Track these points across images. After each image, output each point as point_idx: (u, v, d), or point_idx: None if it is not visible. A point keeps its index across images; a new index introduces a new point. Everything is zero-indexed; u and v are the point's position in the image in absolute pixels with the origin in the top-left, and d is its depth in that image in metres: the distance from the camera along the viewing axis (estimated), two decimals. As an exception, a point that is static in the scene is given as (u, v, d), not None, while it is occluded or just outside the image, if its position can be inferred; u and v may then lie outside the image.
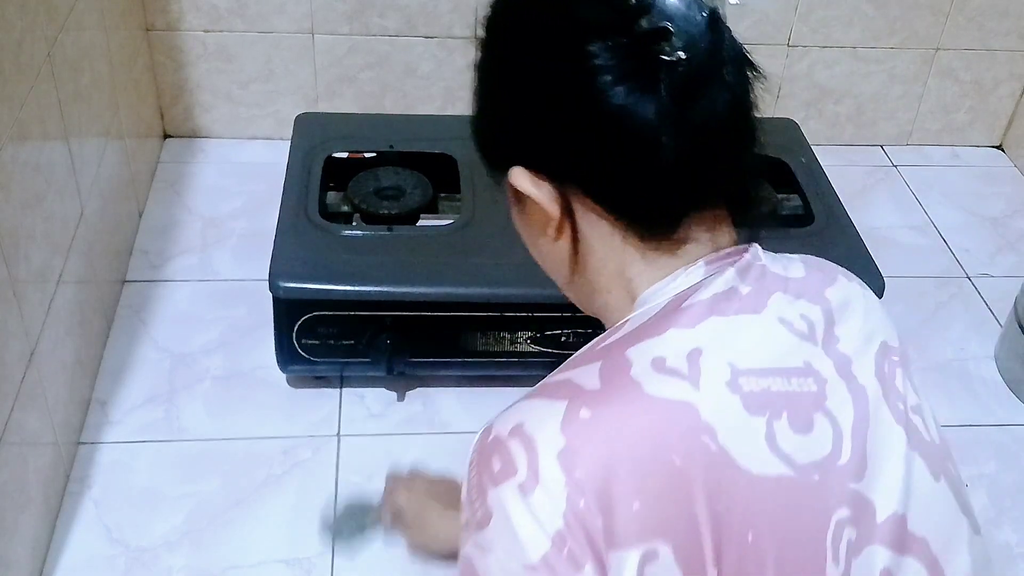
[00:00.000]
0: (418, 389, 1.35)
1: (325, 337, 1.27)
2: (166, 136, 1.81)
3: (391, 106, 1.79)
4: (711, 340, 0.63)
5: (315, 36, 1.72)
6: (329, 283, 1.24)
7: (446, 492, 1.08)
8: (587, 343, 0.68)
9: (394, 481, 1.12)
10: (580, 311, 0.76)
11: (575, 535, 0.58)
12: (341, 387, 1.35)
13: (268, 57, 1.74)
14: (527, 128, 0.68)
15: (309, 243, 1.29)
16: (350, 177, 1.43)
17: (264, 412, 1.31)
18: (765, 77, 0.68)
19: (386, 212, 1.37)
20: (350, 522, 1.17)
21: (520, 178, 0.68)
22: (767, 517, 0.60)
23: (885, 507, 0.63)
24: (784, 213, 1.46)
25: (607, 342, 0.66)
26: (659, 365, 0.62)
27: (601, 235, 0.68)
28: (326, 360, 1.29)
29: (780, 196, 1.47)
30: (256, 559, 1.13)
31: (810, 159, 1.53)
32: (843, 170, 1.75)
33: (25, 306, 1.07)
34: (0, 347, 1.00)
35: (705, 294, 0.65)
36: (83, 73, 1.32)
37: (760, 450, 0.61)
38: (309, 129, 1.52)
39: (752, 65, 0.67)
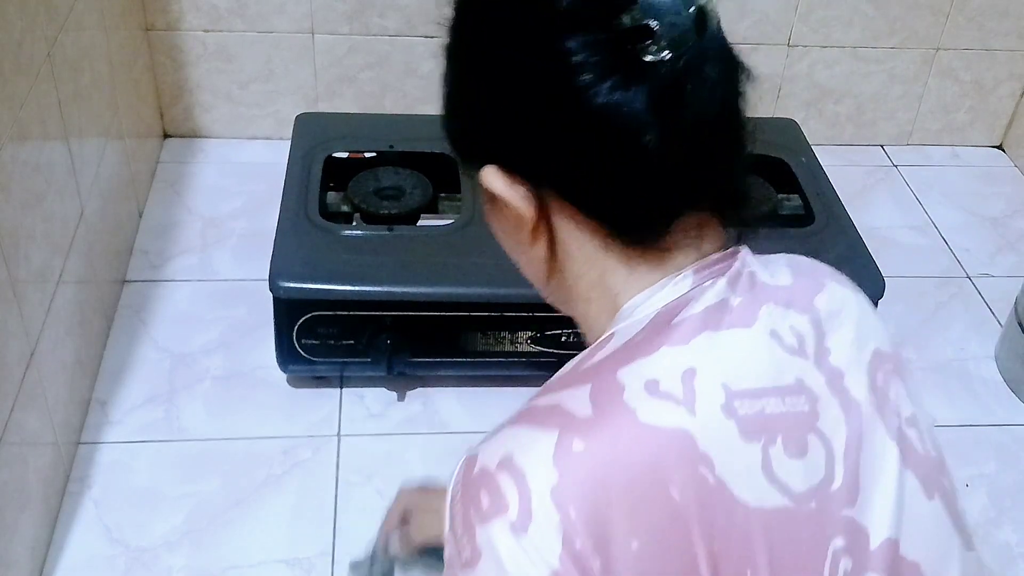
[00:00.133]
0: (418, 389, 1.35)
1: (325, 337, 1.27)
2: (166, 136, 1.81)
3: (391, 106, 1.79)
4: (704, 359, 0.60)
5: (315, 36, 1.72)
6: (329, 283, 1.24)
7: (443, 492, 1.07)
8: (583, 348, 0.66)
9: (403, 490, 1.10)
10: None
11: None
12: (341, 387, 1.35)
13: (268, 57, 1.74)
14: (501, 125, 0.64)
15: (309, 243, 1.29)
16: (350, 177, 1.43)
17: (264, 412, 1.31)
18: (754, 76, 0.65)
19: (386, 212, 1.37)
20: (360, 569, 1.11)
21: (493, 178, 0.64)
22: (766, 551, 0.59)
23: (878, 533, 0.61)
24: (784, 213, 1.46)
25: (595, 360, 0.62)
26: (653, 388, 0.59)
27: (580, 241, 0.65)
28: (326, 360, 1.29)
29: (780, 196, 1.47)
30: (256, 559, 1.13)
31: (810, 159, 1.53)
32: (843, 170, 1.75)
33: (25, 306, 1.07)
34: (0, 347, 1.00)
35: (696, 308, 0.62)
36: (83, 73, 1.32)
37: (757, 480, 0.59)
38: (309, 129, 1.52)
39: (741, 64, 0.65)
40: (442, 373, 1.34)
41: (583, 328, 0.69)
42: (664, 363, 0.60)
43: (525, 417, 0.61)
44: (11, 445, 1.02)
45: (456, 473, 0.61)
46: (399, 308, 1.25)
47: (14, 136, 1.05)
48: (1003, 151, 1.96)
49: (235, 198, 1.68)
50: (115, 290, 1.46)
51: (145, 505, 1.18)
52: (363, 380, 1.35)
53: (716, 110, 0.62)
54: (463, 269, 1.27)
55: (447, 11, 0.66)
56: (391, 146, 1.48)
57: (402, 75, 1.76)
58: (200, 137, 1.81)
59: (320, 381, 1.35)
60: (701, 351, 0.60)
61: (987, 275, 1.64)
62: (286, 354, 1.28)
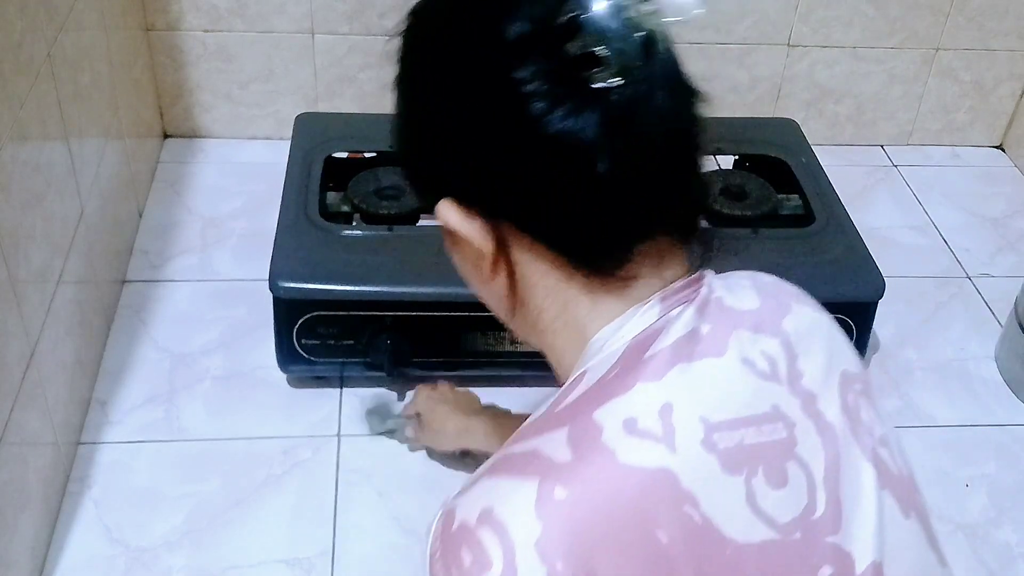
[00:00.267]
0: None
1: (325, 337, 1.27)
2: (166, 136, 1.81)
3: (391, 106, 1.79)
4: (680, 393, 0.59)
5: (315, 36, 1.72)
6: (329, 283, 1.24)
7: (462, 398, 1.21)
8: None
9: (420, 388, 1.22)
10: None
11: None
12: (341, 387, 1.35)
13: (268, 57, 1.74)
14: (453, 158, 0.63)
15: (309, 243, 1.29)
16: (350, 177, 1.43)
17: (264, 412, 1.31)
18: (706, 99, 0.64)
19: (386, 212, 1.37)
20: (374, 417, 1.28)
21: (448, 212, 0.64)
22: None
23: (863, 558, 0.61)
24: (784, 213, 1.46)
25: (569, 400, 0.61)
26: (631, 427, 0.57)
27: (541, 273, 0.64)
28: (326, 360, 1.29)
29: (780, 196, 1.47)
30: (256, 559, 1.13)
31: (810, 159, 1.53)
32: (843, 170, 1.75)
33: (25, 306, 1.07)
34: (0, 347, 1.00)
35: (667, 340, 0.61)
36: (83, 73, 1.32)
37: (743, 514, 0.58)
38: (309, 129, 1.52)
39: (692, 88, 0.64)
40: (442, 373, 1.34)
41: (551, 360, 0.69)
42: (640, 400, 0.59)
43: (502, 466, 0.59)
44: (11, 445, 1.02)
45: (434, 529, 0.59)
46: (399, 308, 1.25)
47: (14, 136, 1.05)
48: (1003, 151, 1.96)
49: (235, 198, 1.68)
50: (115, 290, 1.46)
51: (145, 505, 1.18)
52: (363, 380, 1.35)
53: (668, 135, 0.61)
54: (463, 269, 1.27)
55: (395, 44, 0.66)
56: (391, 146, 1.47)
57: (402, 75, 1.76)
58: (200, 137, 1.81)
59: (320, 381, 1.35)
60: (676, 385, 0.59)
61: (987, 275, 1.64)
62: (286, 354, 1.28)
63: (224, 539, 1.15)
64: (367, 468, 1.24)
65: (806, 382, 0.64)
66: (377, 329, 1.26)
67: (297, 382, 1.35)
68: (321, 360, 1.29)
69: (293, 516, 1.19)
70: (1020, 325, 1.42)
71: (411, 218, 1.39)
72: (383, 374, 1.29)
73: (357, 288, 1.24)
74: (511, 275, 0.66)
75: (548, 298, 0.65)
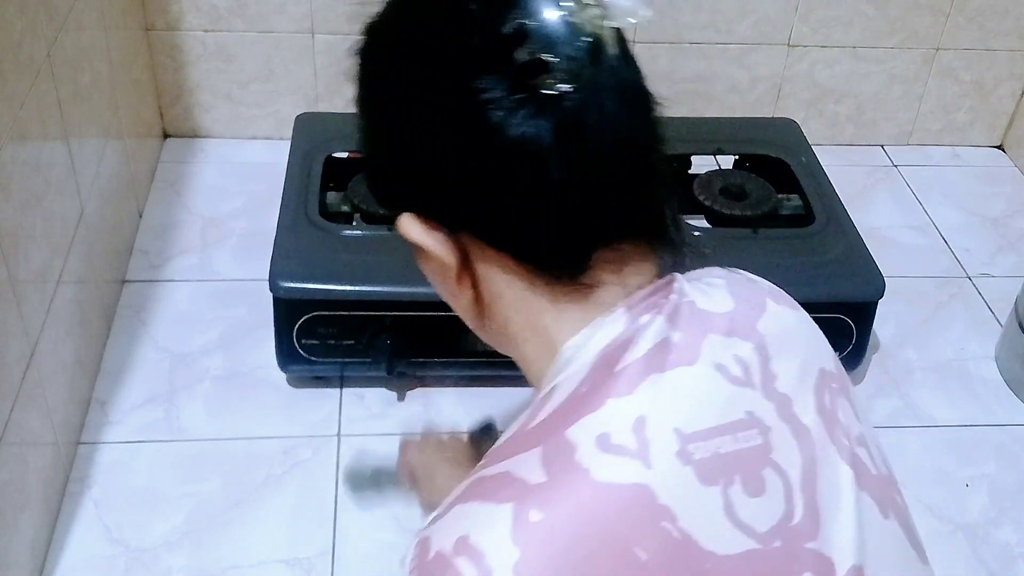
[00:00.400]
0: (418, 389, 1.35)
1: (325, 337, 1.27)
2: (166, 136, 1.81)
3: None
4: (653, 405, 0.58)
5: (315, 36, 1.72)
6: (329, 283, 1.24)
7: (455, 451, 1.10)
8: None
9: (407, 444, 1.13)
10: None
11: None
12: (341, 387, 1.35)
13: (268, 57, 1.74)
14: (411, 171, 0.64)
15: (309, 243, 1.29)
16: (350, 177, 1.43)
17: (264, 412, 1.31)
18: (658, 102, 0.63)
19: (386, 212, 1.37)
20: (372, 483, 1.18)
21: (409, 226, 0.64)
22: None
23: (843, 562, 0.60)
24: (784, 213, 1.46)
25: (541, 418, 0.60)
26: (604, 443, 0.57)
27: (505, 283, 0.64)
28: (326, 360, 1.29)
29: (780, 196, 1.47)
30: (256, 559, 1.13)
31: (810, 159, 1.53)
32: (843, 170, 1.75)
33: (25, 306, 1.07)
34: (0, 347, 1.00)
35: (638, 351, 0.60)
36: (83, 73, 1.32)
37: (722, 526, 0.57)
38: (309, 129, 1.52)
39: (645, 91, 0.63)
40: (442, 373, 1.34)
41: (523, 369, 0.69)
42: (613, 415, 0.58)
43: (476, 490, 0.58)
44: (11, 445, 1.02)
45: (410, 558, 0.58)
46: (399, 308, 1.25)
47: (14, 136, 1.05)
48: (1003, 151, 1.96)
49: (235, 198, 1.68)
50: (115, 290, 1.46)
51: (145, 505, 1.18)
52: (363, 380, 1.35)
53: (618, 140, 0.60)
54: (463, 269, 1.27)
55: (352, 61, 0.66)
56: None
57: (402, 75, 1.76)
58: (200, 137, 1.81)
59: (320, 381, 1.35)
60: (648, 397, 0.59)
61: (987, 275, 1.64)
62: (286, 354, 1.28)
63: (224, 539, 1.15)
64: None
65: (780, 385, 0.63)
66: (377, 329, 1.26)
67: (297, 382, 1.35)
68: (321, 360, 1.29)
69: (293, 516, 1.19)
70: (1020, 325, 1.42)
71: (411, 218, 1.38)
72: (383, 374, 1.29)
73: (357, 288, 1.24)
74: (476, 286, 0.66)
75: (513, 308, 0.65)
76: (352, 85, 0.67)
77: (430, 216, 0.64)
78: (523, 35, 0.57)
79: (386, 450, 1.26)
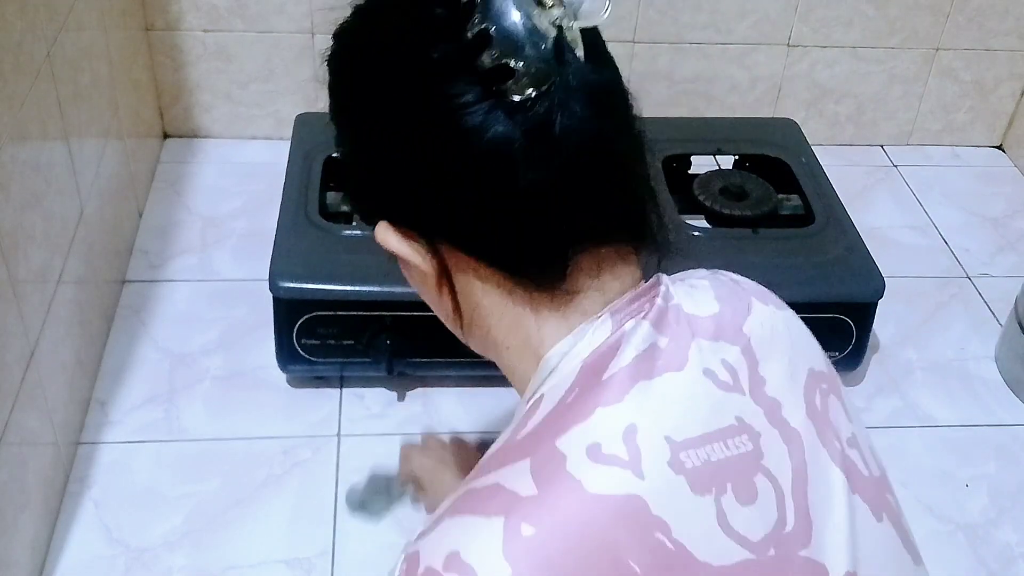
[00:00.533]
0: (418, 389, 1.35)
1: (325, 337, 1.27)
2: (166, 136, 1.81)
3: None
4: (642, 413, 0.58)
5: (315, 36, 1.72)
6: (329, 283, 1.24)
7: (458, 455, 1.10)
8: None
9: (408, 448, 1.13)
10: None
11: None
12: (341, 387, 1.35)
13: (268, 57, 1.74)
14: (384, 180, 0.63)
15: (309, 243, 1.29)
16: (350, 177, 1.43)
17: (264, 412, 1.31)
18: (634, 101, 0.63)
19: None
20: (376, 496, 1.18)
21: (385, 235, 0.64)
22: None
23: (837, 568, 0.60)
24: (784, 213, 1.46)
25: (529, 428, 0.60)
26: (595, 453, 0.56)
27: (484, 290, 0.64)
28: (326, 360, 1.29)
29: (780, 196, 1.47)
30: (256, 559, 1.13)
31: (810, 159, 1.53)
32: (843, 170, 1.75)
33: (25, 306, 1.07)
34: (0, 347, 1.00)
35: (625, 358, 0.59)
36: (83, 73, 1.32)
37: (715, 536, 0.57)
38: (309, 129, 1.52)
39: (615, 90, 0.62)
40: (442, 373, 1.34)
41: (507, 375, 0.69)
42: (603, 424, 0.57)
43: (465, 503, 0.57)
44: (11, 445, 1.02)
45: (398, 573, 0.57)
46: (399, 308, 1.25)
47: (14, 136, 1.05)
48: (1003, 151, 1.96)
49: (235, 198, 1.68)
50: (115, 290, 1.46)
51: (145, 505, 1.18)
52: (363, 380, 1.35)
53: (586, 144, 0.59)
54: (463, 269, 1.27)
55: (322, 73, 0.66)
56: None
57: (402, 75, 1.76)
58: (200, 137, 1.81)
59: (320, 381, 1.35)
60: (638, 405, 0.58)
61: (987, 275, 1.64)
62: (286, 354, 1.28)
63: (224, 539, 1.15)
64: (367, 468, 1.24)
65: (769, 389, 0.63)
66: (377, 329, 1.26)
67: (297, 382, 1.35)
68: (321, 360, 1.29)
69: (293, 516, 1.19)
70: (1020, 325, 1.42)
71: (411, 218, 1.38)
72: (383, 374, 1.29)
73: (357, 288, 1.24)
74: (456, 294, 0.66)
75: (494, 316, 0.65)
76: (324, 93, 0.67)
77: (405, 224, 0.64)
78: (487, 40, 0.57)
79: (384, 450, 1.27)
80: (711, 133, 1.62)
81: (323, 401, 1.33)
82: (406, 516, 1.19)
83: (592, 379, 0.60)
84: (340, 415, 1.31)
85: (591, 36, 0.60)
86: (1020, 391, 1.42)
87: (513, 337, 0.65)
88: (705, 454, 0.58)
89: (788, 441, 0.62)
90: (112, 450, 1.25)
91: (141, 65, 1.66)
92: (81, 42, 1.31)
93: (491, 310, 0.65)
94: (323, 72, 0.67)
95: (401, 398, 1.34)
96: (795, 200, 1.47)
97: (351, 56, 0.66)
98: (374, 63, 0.62)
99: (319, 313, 1.25)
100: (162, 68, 1.74)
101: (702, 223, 1.44)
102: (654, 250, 0.66)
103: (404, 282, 1.24)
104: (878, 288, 1.32)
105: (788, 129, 1.62)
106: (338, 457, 1.26)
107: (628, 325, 0.61)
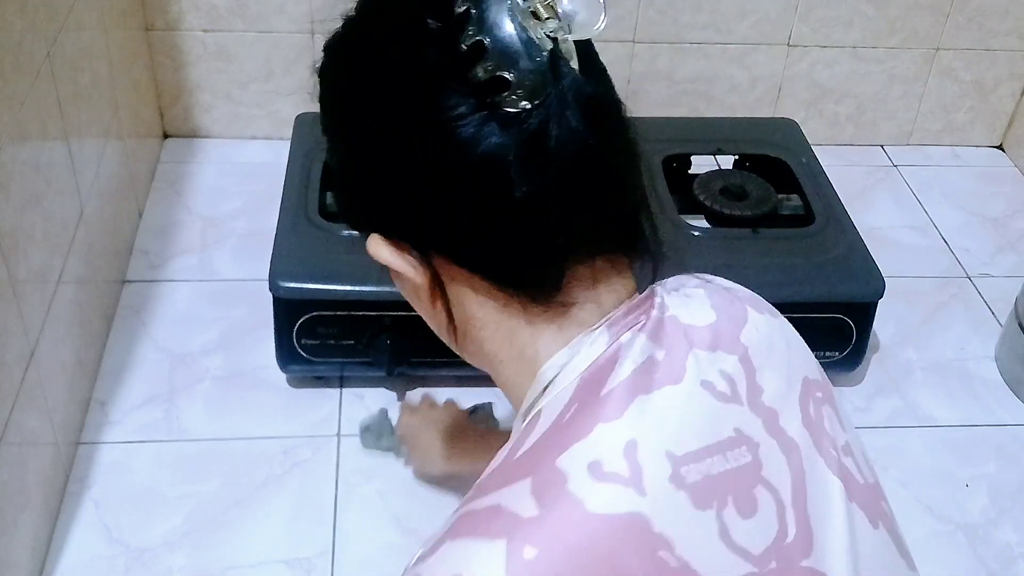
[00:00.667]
0: (418, 389, 1.35)
1: (325, 337, 1.27)
2: (166, 136, 1.81)
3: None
4: (642, 428, 0.58)
5: (315, 36, 1.72)
6: (329, 283, 1.24)
7: (445, 417, 1.18)
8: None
9: (404, 406, 1.21)
10: None
11: None
12: (341, 387, 1.35)
13: (268, 57, 1.74)
14: (376, 193, 0.63)
15: (309, 243, 1.29)
16: (350, 177, 1.43)
17: (264, 412, 1.31)
18: (627, 113, 0.62)
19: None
20: (369, 434, 1.25)
21: (378, 248, 0.64)
22: None
23: None
24: (784, 213, 1.46)
25: (528, 446, 0.59)
26: (597, 471, 0.56)
27: (478, 302, 0.63)
28: (326, 360, 1.29)
29: (780, 196, 1.47)
30: (256, 559, 1.13)
31: (810, 159, 1.53)
32: (843, 170, 1.75)
33: (25, 306, 1.07)
34: (0, 347, 1.00)
35: (623, 373, 0.59)
36: (83, 73, 1.32)
37: (718, 551, 0.57)
38: (309, 129, 1.52)
39: (609, 102, 0.62)
40: (442, 373, 1.34)
41: (502, 387, 0.68)
42: (603, 441, 0.57)
43: (466, 525, 0.56)
44: (11, 445, 1.02)
45: None
46: (399, 308, 1.25)
47: (14, 136, 1.05)
48: (1003, 151, 1.96)
49: (235, 198, 1.68)
50: (115, 290, 1.46)
51: (145, 505, 1.18)
52: (363, 380, 1.35)
53: (581, 156, 0.59)
54: (463, 269, 1.27)
55: (314, 84, 0.66)
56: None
57: (402, 75, 1.76)
58: (200, 137, 1.81)
59: (320, 381, 1.35)
60: (637, 420, 0.58)
61: (987, 275, 1.64)
62: (286, 354, 1.28)
63: (224, 539, 1.15)
64: (367, 468, 1.24)
65: (766, 398, 0.62)
66: (377, 329, 1.26)
67: (297, 382, 1.35)
68: (321, 360, 1.29)
69: (293, 516, 1.19)
70: (1020, 325, 1.42)
71: (411, 218, 1.38)
72: (383, 374, 1.29)
73: (357, 288, 1.24)
74: (449, 306, 0.65)
75: (488, 328, 0.65)
76: (316, 104, 0.66)
77: (398, 236, 0.63)
78: (482, 52, 0.56)
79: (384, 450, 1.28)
80: (711, 133, 1.62)
81: (323, 401, 1.33)
82: (406, 516, 1.19)
83: (591, 394, 0.59)
84: (340, 415, 1.31)
85: (584, 47, 0.60)
86: (1020, 391, 1.42)
87: (508, 349, 0.64)
88: (705, 468, 0.58)
89: (786, 451, 0.62)
90: (112, 450, 1.25)
91: (141, 65, 1.66)
92: (81, 42, 1.31)
93: (485, 322, 0.64)
94: (314, 84, 0.66)
95: (401, 398, 1.34)
96: (795, 200, 1.47)
97: (344, 67, 0.65)
98: (367, 74, 0.62)
99: (319, 313, 1.25)
100: (162, 68, 1.74)
101: (702, 223, 1.44)
102: (648, 259, 0.65)
103: (404, 282, 1.25)
104: (878, 288, 1.32)
105: (788, 129, 1.62)
106: (338, 457, 1.26)
107: (625, 337, 0.61)
